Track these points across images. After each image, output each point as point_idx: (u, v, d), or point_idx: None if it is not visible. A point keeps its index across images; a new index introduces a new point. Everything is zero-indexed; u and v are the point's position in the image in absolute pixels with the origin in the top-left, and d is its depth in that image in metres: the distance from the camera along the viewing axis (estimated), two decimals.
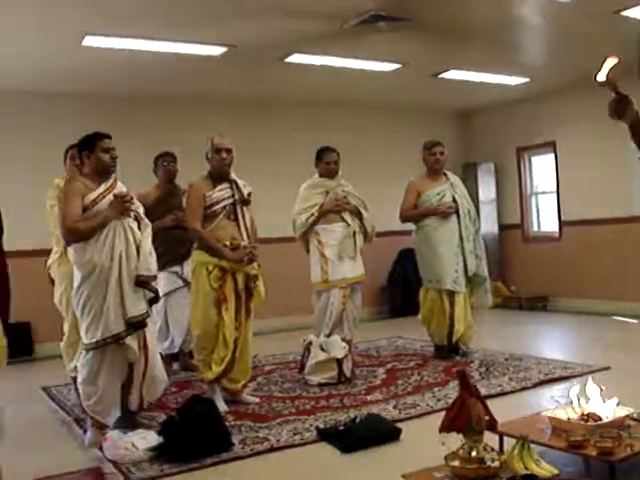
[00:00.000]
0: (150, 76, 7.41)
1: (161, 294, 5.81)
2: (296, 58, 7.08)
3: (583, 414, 3.53)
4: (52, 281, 5.27)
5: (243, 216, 5.12)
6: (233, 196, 5.09)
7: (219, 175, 5.10)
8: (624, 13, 6.00)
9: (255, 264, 5.07)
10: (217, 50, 6.63)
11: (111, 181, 4.40)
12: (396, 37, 6.46)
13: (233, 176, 5.16)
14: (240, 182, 5.17)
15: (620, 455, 3.12)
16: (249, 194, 5.18)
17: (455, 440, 3.30)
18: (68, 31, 5.84)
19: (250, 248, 5.00)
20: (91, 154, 4.35)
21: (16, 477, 3.33)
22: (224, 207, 5.05)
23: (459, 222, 6.34)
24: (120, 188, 4.43)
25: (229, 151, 5.07)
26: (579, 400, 3.61)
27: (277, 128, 9.09)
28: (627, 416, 3.56)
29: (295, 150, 8.57)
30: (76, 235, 4.22)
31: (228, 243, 4.96)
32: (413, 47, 6.94)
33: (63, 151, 5.40)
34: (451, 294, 6.30)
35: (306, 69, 7.48)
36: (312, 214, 6.02)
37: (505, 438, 3.56)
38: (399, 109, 9.91)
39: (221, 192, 5.06)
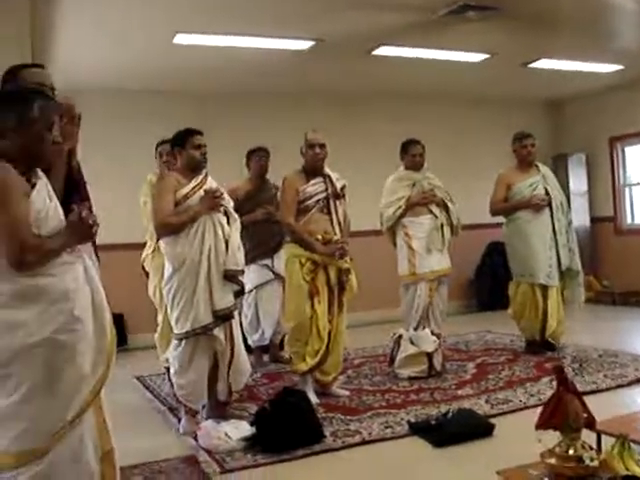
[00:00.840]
0: (238, 72, 7.49)
1: (252, 287, 5.95)
2: (383, 51, 7.04)
3: None
4: (147, 274, 5.42)
5: (336, 210, 5.15)
6: (326, 190, 5.12)
7: (312, 169, 5.14)
8: None
9: (347, 258, 5.09)
10: (305, 44, 6.66)
11: (202, 177, 4.52)
12: (485, 27, 6.35)
13: (327, 170, 5.19)
14: (334, 176, 5.19)
15: None
16: (342, 188, 5.20)
17: (551, 437, 3.24)
18: (160, 30, 5.99)
19: (341, 243, 5.03)
20: (182, 150, 4.47)
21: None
22: (317, 201, 5.09)
23: (552, 215, 6.20)
24: (210, 183, 4.53)
25: (322, 146, 5.11)
26: None
27: (363, 121, 9.05)
28: None
29: (381, 143, 8.53)
30: (167, 229, 4.36)
31: (320, 237, 5.00)
32: (502, 37, 6.80)
33: (153, 148, 5.56)
34: (544, 288, 6.17)
35: (393, 61, 7.43)
36: (400, 207, 6.02)
37: (603, 437, 3.47)
38: (487, 100, 9.74)
39: (314, 186, 5.10)
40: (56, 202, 2.62)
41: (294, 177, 5.15)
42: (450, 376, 5.56)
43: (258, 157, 6.26)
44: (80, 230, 2.59)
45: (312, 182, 5.10)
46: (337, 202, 5.17)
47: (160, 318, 5.26)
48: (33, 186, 2.53)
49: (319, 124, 8.24)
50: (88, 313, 2.58)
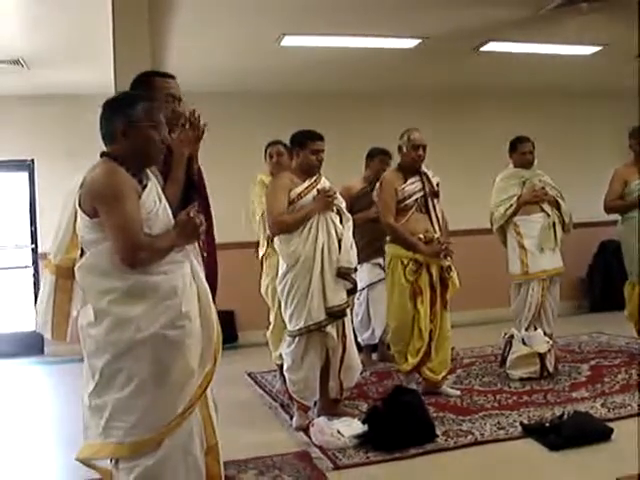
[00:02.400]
0: (344, 72, 7.54)
1: (364, 285, 5.98)
2: (491, 47, 6.94)
3: None
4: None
5: (434, 208, 5.14)
6: (424, 189, 5.11)
7: (411, 169, 5.13)
8: None
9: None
10: (411, 43, 6.65)
11: (315, 177, 4.58)
12: (597, 18, 6.16)
13: (423, 168, 5.17)
14: (429, 173, 5.18)
15: None
16: (437, 184, 5.18)
17: None
18: (268, 33, 6.12)
19: (446, 243, 5.00)
20: (301, 151, 4.57)
21: (228, 455, 3.53)
22: (415, 200, 5.09)
23: None
24: (324, 183, 4.60)
25: (425, 147, 5.11)
26: None
27: (469, 119, 8.94)
28: None
29: (488, 141, 8.39)
30: (282, 227, 4.46)
31: (422, 236, 4.99)
32: (615, 28, 6.58)
33: (263, 149, 5.66)
34: None
35: (500, 57, 7.30)
36: (511, 205, 5.93)
37: None
38: (598, 94, 9.42)
39: (412, 185, 5.10)
40: (165, 203, 2.70)
41: (392, 176, 5.17)
42: (563, 378, 5.42)
43: (380, 159, 6.21)
44: (187, 229, 2.66)
45: (410, 181, 5.10)
46: (435, 200, 5.15)
47: (272, 316, 5.36)
48: (144, 187, 2.62)
49: (425, 124, 8.24)
50: (195, 310, 2.66)
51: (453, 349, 6.33)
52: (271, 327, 5.39)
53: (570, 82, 8.85)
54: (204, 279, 2.80)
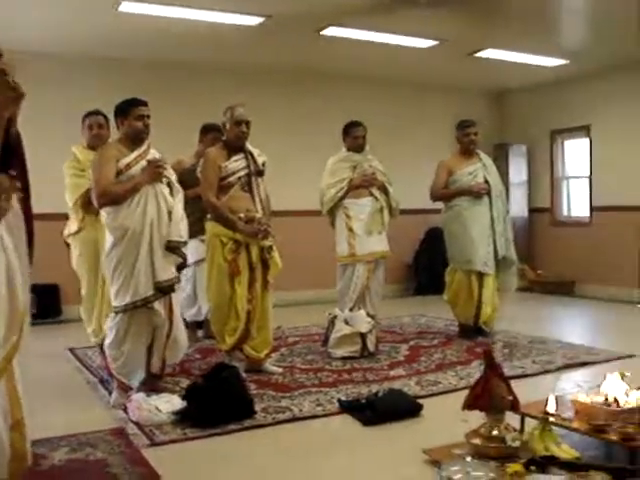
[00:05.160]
0: (186, 45, 7.40)
1: (191, 262, 5.88)
2: (332, 31, 7.03)
3: (606, 399, 3.52)
4: (68, 246, 5.30)
5: (257, 187, 5.11)
6: (248, 167, 5.07)
7: (235, 146, 5.09)
8: None
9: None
10: (254, 20, 6.61)
11: (144, 147, 4.45)
12: (434, 13, 6.39)
13: (248, 146, 5.14)
14: (255, 152, 5.15)
15: None
16: (263, 164, 5.16)
17: (477, 419, 3.33)
18: None
19: (265, 225, 5.00)
20: (125, 120, 4.40)
21: (40, 432, 3.41)
22: (239, 178, 5.04)
23: (490, 203, 6.30)
24: (154, 154, 4.47)
25: (249, 124, 5.07)
26: (603, 385, 3.60)
27: (309, 101, 9.05)
28: None
29: (326, 123, 8.53)
30: (109, 198, 4.29)
31: (243, 215, 4.95)
32: (450, 24, 6.86)
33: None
34: (480, 276, 6.28)
35: (342, 42, 7.43)
36: (342, 188, 6.04)
37: (526, 419, 3.57)
38: (432, 87, 9.82)
39: (237, 163, 5.05)
40: None
41: (216, 153, 5.08)
42: (383, 357, 5.62)
43: (214, 136, 6.00)
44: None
45: (234, 158, 5.04)
46: (259, 179, 5.13)
47: (83, 292, 5.18)
48: None
49: (265, 102, 8.28)
50: (1, 278, 2.53)
51: (279, 328, 6.46)
52: (83, 303, 5.21)
53: (406, 73, 9.15)
54: (13, 249, 2.65)
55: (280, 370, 5.20)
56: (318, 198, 6.22)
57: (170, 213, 4.41)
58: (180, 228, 4.45)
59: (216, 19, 6.50)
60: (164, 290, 4.36)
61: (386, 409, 4.03)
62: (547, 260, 10.08)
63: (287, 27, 6.85)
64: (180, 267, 4.56)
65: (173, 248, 4.40)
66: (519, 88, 10.29)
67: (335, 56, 8.11)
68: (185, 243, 4.52)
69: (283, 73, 8.79)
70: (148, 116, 4.42)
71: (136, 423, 3.98)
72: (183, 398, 4.14)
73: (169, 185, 4.50)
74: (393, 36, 7.26)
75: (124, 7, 6.07)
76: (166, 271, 4.37)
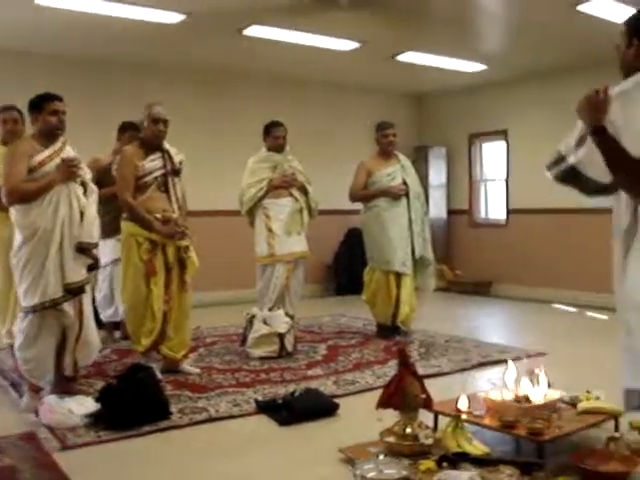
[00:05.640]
0: (107, 41, 7.23)
1: (108, 261, 5.80)
2: (254, 30, 7.00)
3: (517, 396, 3.61)
4: None
5: (174, 187, 5.05)
6: (165, 166, 5.01)
7: (152, 145, 5.02)
8: (579, 8, 6.10)
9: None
10: (174, 17, 6.52)
11: (59, 144, 4.34)
12: (356, 15, 6.44)
13: (166, 145, 5.08)
14: (172, 151, 5.09)
15: (549, 436, 3.22)
16: (180, 162, 5.11)
17: (392, 417, 3.37)
18: None
19: (182, 226, 4.95)
20: (39, 115, 4.28)
21: None
22: (155, 178, 4.98)
23: (409, 204, 6.39)
24: (68, 152, 4.36)
25: (166, 122, 5.01)
26: (514, 383, 3.70)
27: (230, 101, 8.98)
28: (558, 399, 3.67)
29: (246, 123, 8.50)
30: (20, 196, 4.16)
31: (159, 215, 4.89)
32: (372, 26, 6.92)
33: None
34: (398, 276, 6.35)
35: (264, 43, 7.39)
36: (261, 188, 6.04)
37: (440, 417, 3.64)
38: (355, 88, 9.90)
39: (153, 162, 4.98)
40: None
41: (132, 151, 5.01)
42: (301, 357, 5.65)
43: (131, 134, 5.89)
44: None
45: (151, 157, 4.98)
46: (175, 179, 5.07)
47: None
48: None
49: (185, 100, 8.19)
50: None
51: (198, 328, 6.42)
52: None
53: (329, 74, 9.20)
54: None
55: (198, 371, 5.15)
56: (237, 198, 6.19)
57: (82, 214, 4.30)
58: (92, 229, 4.36)
59: (137, 15, 6.38)
60: (73, 292, 4.26)
61: (302, 409, 4.05)
62: (465, 261, 10.29)
63: (208, 25, 6.78)
64: (91, 268, 4.46)
65: (84, 249, 4.30)
66: (439, 92, 10.47)
67: (257, 56, 8.08)
68: (96, 245, 4.43)
69: (204, 72, 8.71)
70: (64, 112, 4.31)
71: (48, 427, 3.89)
72: (97, 400, 4.06)
73: (83, 185, 4.39)
74: (315, 37, 7.28)
75: (41, 0, 5.90)
76: (76, 272, 4.27)
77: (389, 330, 6.44)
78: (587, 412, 3.57)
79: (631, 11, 2.91)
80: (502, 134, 9.82)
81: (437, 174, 10.47)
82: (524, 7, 6.22)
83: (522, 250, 9.41)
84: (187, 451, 3.64)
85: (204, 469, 3.38)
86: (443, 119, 10.69)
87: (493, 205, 10.32)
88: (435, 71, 8.88)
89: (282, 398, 4.26)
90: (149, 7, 6.23)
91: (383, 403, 3.35)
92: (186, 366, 5.17)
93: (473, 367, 5.35)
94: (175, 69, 8.48)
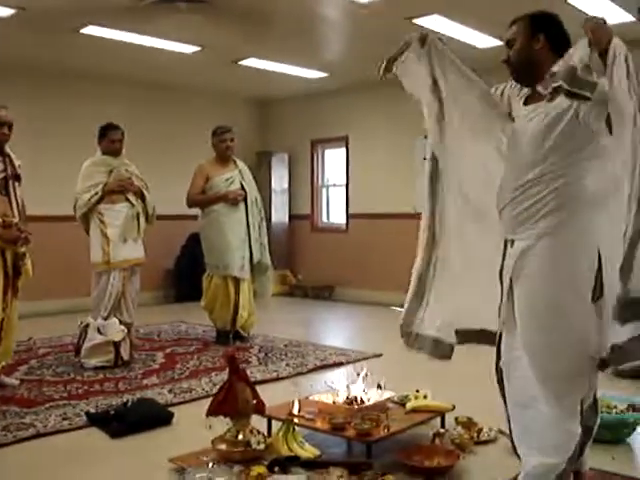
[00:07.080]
0: None
1: None
2: (92, 30, 6.80)
3: (349, 398, 3.71)
4: None
5: (15, 192, 4.84)
6: (5, 170, 4.79)
7: None
8: (415, 21, 6.36)
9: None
10: (5, 11, 6.21)
11: None
12: (195, 19, 6.39)
13: (7, 150, 4.86)
14: (13, 155, 4.89)
15: (376, 436, 3.32)
16: (19, 166, 4.91)
17: (226, 424, 3.36)
18: None
19: (26, 232, 4.75)
20: None
21: None
22: None
23: (247, 210, 6.42)
24: None
25: (11, 126, 4.81)
26: (346, 385, 3.79)
27: (66, 100, 8.66)
28: (388, 399, 3.80)
29: (79, 124, 8.24)
30: None
31: (1, 220, 4.67)
32: (213, 31, 6.89)
33: None
34: (236, 281, 6.36)
35: (103, 42, 7.20)
36: (96, 193, 5.84)
37: (274, 421, 3.67)
38: (196, 92, 9.82)
39: None
40: None
41: None
42: (138, 366, 5.53)
43: None
44: None
45: None
46: (16, 183, 4.87)
47: None
48: None
49: (20, 100, 7.79)
50: None
51: (30, 339, 6.15)
52: None
53: (170, 77, 9.09)
54: None
55: (16, 382, 4.93)
56: (72, 203, 5.96)
57: None
58: None
59: None
60: None
61: (135, 419, 3.96)
62: (307, 265, 10.44)
63: (43, 22, 6.50)
64: None
65: None
66: (282, 98, 10.58)
67: (96, 56, 7.84)
68: None
69: (39, 70, 8.35)
70: None
71: None
72: None
73: None
74: (156, 39, 7.17)
75: None
76: None
77: (229, 336, 6.42)
78: (416, 410, 3.72)
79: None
80: (343, 140, 10.06)
81: (279, 179, 10.56)
82: (361, 17, 6.39)
83: (361, 254, 9.65)
84: (13, 471, 3.46)
85: None
86: (286, 125, 10.81)
87: (334, 210, 10.54)
88: (278, 77, 8.97)
89: (114, 409, 4.15)
90: None
91: (213, 411, 3.34)
92: (4, 378, 4.93)
93: (310, 371, 5.43)
94: (6, 64, 8.06)
